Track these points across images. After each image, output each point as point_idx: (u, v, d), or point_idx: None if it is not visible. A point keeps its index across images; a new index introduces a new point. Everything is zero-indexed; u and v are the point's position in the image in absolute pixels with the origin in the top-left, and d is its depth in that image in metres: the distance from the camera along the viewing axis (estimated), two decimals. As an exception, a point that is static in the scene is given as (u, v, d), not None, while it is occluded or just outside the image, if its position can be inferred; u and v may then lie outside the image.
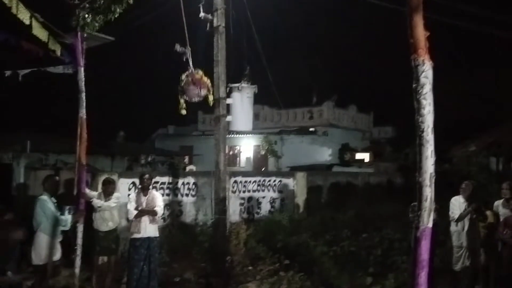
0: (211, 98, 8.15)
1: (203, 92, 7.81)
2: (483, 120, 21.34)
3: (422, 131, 3.05)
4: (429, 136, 3.04)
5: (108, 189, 7.46)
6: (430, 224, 2.97)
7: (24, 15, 5.27)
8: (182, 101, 7.79)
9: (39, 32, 5.66)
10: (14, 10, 5.16)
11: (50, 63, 7.17)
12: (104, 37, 7.33)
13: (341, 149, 27.95)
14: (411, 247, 7.65)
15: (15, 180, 12.59)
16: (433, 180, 3.01)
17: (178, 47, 8.00)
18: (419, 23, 3.22)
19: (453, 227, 7.67)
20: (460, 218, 7.53)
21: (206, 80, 7.85)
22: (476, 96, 23.66)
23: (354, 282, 9.02)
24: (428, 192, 2.98)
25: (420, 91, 3.11)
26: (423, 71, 3.13)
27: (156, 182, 10.60)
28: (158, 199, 7.46)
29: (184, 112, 7.89)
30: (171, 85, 8.24)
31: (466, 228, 7.55)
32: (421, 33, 3.21)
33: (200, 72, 7.83)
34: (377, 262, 9.67)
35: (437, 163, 3.15)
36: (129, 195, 7.92)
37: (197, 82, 7.66)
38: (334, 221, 11.83)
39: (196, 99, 7.87)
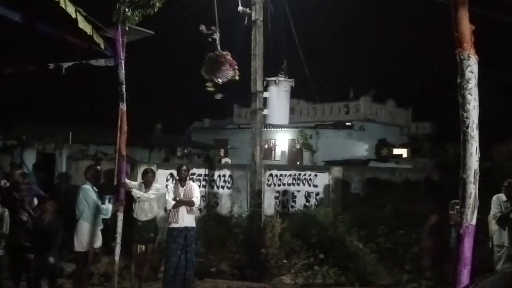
0: (236, 77, 7.81)
1: (231, 73, 7.58)
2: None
3: (467, 127, 2.98)
4: (474, 132, 2.97)
5: (149, 179, 7.57)
6: (474, 222, 2.91)
7: (70, 9, 5.41)
8: (210, 83, 7.50)
9: (84, 26, 5.79)
10: (62, 4, 5.29)
11: (92, 56, 7.33)
12: (144, 31, 7.42)
13: (378, 144, 27.52)
14: (450, 245, 7.50)
15: (57, 170, 13.00)
16: (477, 177, 2.94)
17: (203, 28, 7.91)
18: (464, 17, 3.14)
19: (494, 226, 7.46)
20: (502, 217, 7.32)
21: (233, 61, 7.61)
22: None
23: (390, 279, 8.92)
24: (472, 189, 2.92)
25: (465, 86, 3.04)
26: (468, 66, 3.06)
27: (193, 174, 10.74)
28: (195, 190, 7.55)
29: (218, 96, 7.54)
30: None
31: (507, 227, 7.34)
32: (466, 27, 3.14)
33: (229, 54, 7.60)
34: (414, 259, 9.52)
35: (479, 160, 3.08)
36: (167, 185, 8.05)
37: (228, 62, 7.46)
38: (370, 217, 11.71)
39: (221, 80, 7.58)
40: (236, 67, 7.56)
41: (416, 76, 29.85)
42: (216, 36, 7.77)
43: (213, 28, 7.85)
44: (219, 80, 7.46)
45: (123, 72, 6.89)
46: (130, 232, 7.47)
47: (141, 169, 10.16)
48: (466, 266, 2.89)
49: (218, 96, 7.63)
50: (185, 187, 7.46)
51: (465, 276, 2.89)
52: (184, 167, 7.72)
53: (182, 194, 7.37)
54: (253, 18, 9.67)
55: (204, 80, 7.55)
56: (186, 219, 7.35)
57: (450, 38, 3.25)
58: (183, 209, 7.32)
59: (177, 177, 7.74)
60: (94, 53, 6.99)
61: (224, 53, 7.56)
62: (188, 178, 7.67)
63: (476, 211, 2.95)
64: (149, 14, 6.72)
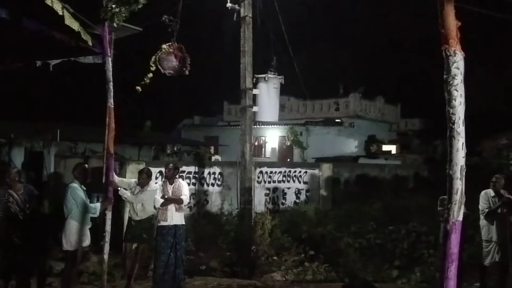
0: (186, 72, 7.52)
1: (178, 67, 7.38)
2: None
3: (453, 123, 3.00)
4: (460, 128, 2.99)
5: (142, 180, 7.48)
6: (460, 218, 2.93)
7: (57, 6, 5.34)
8: (150, 74, 7.20)
9: (71, 22, 5.72)
10: (48, 1, 5.21)
11: (80, 54, 7.24)
12: (132, 27, 7.35)
13: (368, 140, 27.63)
14: (439, 241, 7.56)
15: (46, 168, 12.90)
16: (463, 173, 2.97)
17: (165, 19, 7.87)
18: (450, 12, 3.15)
19: (482, 221, 7.53)
20: (490, 212, 7.39)
21: (187, 55, 7.51)
22: (508, 87, 23.07)
23: (380, 275, 8.98)
24: (459, 185, 2.94)
25: (451, 82, 3.05)
26: (454, 62, 3.07)
27: (183, 172, 10.72)
28: (184, 188, 7.51)
29: (139, 89, 7.16)
30: (197, 76, 8.14)
31: (495, 222, 7.41)
32: (452, 23, 3.14)
33: (183, 47, 7.52)
34: (403, 255, 9.60)
35: (466, 156, 3.10)
36: (156, 183, 8.01)
37: (177, 55, 7.38)
38: (360, 213, 11.78)
39: (169, 72, 7.40)
40: (187, 63, 7.45)
41: (405, 72, 29.98)
42: (175, 27, 7.74)
43: (173, 19, 7.84)
44: (164, 70, 7.35)
45: (110, 69, 6.83)
46: (121, 230, 7.42)
47: (129, 167, 10.13)
48: (453, 262, 2.91)
49: (138, 88, 7.31)
50: (173, 185, 7.42)
51: (452, 272, 2.91)
52: (172, 165, 7.68)
53: (170, 192, 7.33)
54: (242, 15, 9.66)
55: (148, 69, 7.36)
56: (175, 217, 7.32)
57: (437, 34, 3.27)
58: (172, 207, 7.28)
59: (166, 175, 7.70)
60: (82, 50, 6.92)
61: (176, 45, 7.49)
62: (177, 176, 7.62)
63: (463, 207, 2.97)
64: (134, 10, 6.65)
